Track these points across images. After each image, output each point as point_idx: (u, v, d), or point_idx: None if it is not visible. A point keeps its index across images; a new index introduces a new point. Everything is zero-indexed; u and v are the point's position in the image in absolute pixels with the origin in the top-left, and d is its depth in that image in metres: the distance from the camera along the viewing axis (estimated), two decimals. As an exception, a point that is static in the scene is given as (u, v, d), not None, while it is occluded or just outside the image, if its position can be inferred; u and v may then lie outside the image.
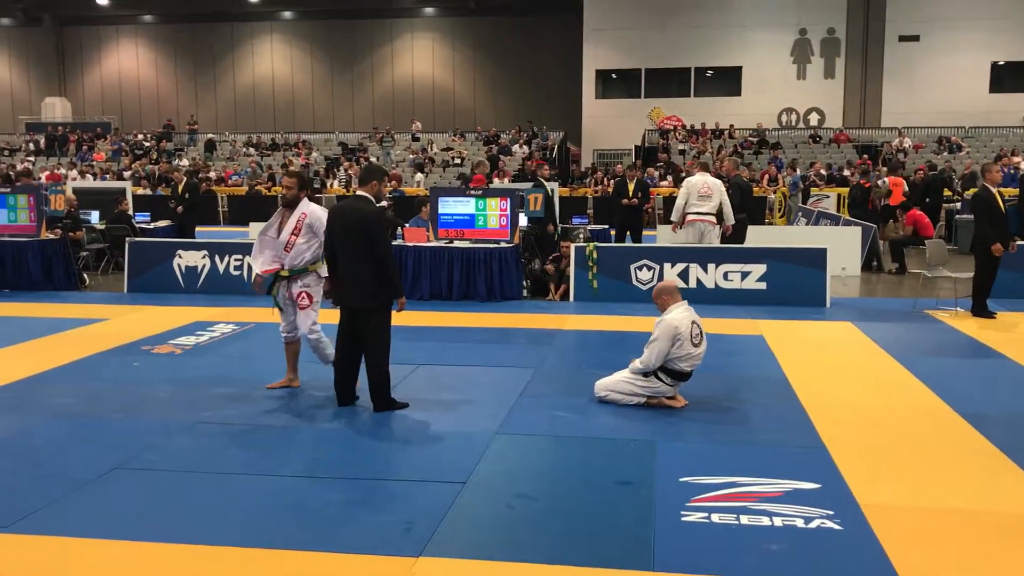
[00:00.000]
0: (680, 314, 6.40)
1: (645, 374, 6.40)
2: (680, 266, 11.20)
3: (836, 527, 4.26)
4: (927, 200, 18.81)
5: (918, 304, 10.84)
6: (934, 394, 6.74)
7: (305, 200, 6.75)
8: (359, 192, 6.30)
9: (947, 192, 21.27)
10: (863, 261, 14.34)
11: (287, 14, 39.22)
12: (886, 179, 20.02)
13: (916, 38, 31.70)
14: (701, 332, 6.44)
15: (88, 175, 29.07)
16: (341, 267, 6.22)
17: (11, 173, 21.04)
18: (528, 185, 14.30)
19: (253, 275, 6.98)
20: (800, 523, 4.30)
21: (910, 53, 31.80)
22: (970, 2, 31.07)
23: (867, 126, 31.84)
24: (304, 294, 6.73)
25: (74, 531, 4.26)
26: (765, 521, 4.33)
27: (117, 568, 3.93)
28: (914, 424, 6.00)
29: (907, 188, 18.93)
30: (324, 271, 6.60)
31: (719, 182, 12.04)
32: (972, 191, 15.68)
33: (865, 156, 27.28)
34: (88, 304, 11.45)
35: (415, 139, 33.30)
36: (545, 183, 13.45)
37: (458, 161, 30.14)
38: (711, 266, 11.15)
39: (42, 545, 4.14)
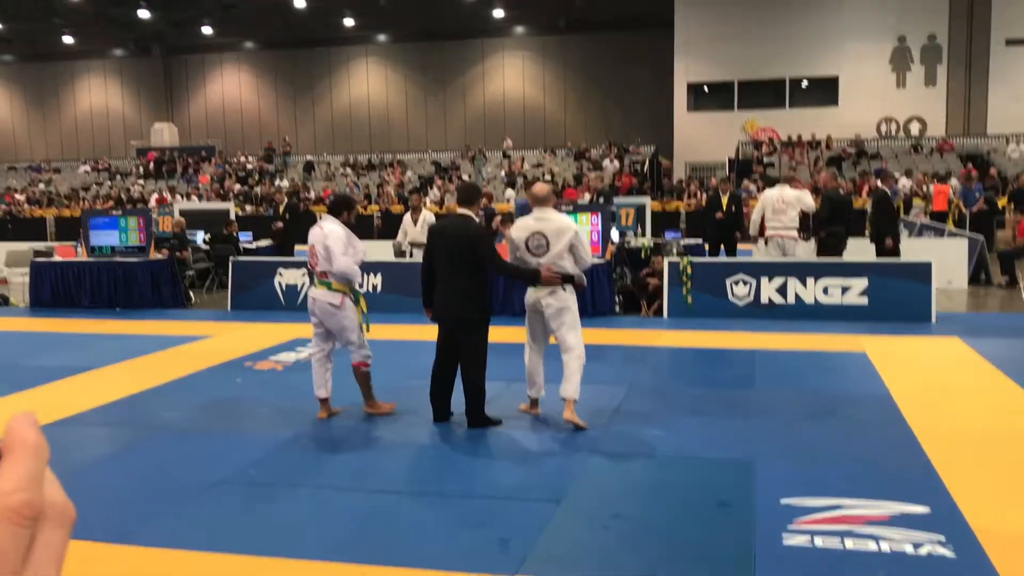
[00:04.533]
0: (523, 221, 6.41)
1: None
2: (778, 280, 10.95)
3: (948, 554, 4.07)
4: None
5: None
6: (1052, 414, 6.41)
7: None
8: (461, 211, 6.37)
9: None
10: (970, 274, 13.79)
11: (381, 38, 40.04)
12: (904, 184, 19.25)
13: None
14: (546, 243, 6.28)
15: (194, 196, 30.17)
16: (442, 284, 6.28)
17: (122, 196, 22.04)
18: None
19: None
20: (909, 549, 4.13)
21: (1018, 57, 30.52)
22: (1082, 2, 29.70)
23: (972, 134, 30.66)
24: None
25: (179, 543, 4.39)
26: (871, 546, 4.16)
27: (222, 580, 4.03)
28: (1030, 445, 5.72)
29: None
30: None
31: (798, 193, 11.72)
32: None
33: (970, 164, 26.26)
34: (193, 321, 11.85)
35: (506, 156, 33.53)
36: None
37: (548, 177, 30.20)
38: (810, 280, 10.87)
39: (148, 557, 4.27)
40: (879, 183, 13.58)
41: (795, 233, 11.53)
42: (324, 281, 6.62)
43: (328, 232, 6.58)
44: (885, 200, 12.71)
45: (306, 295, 12.29)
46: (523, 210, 12.53)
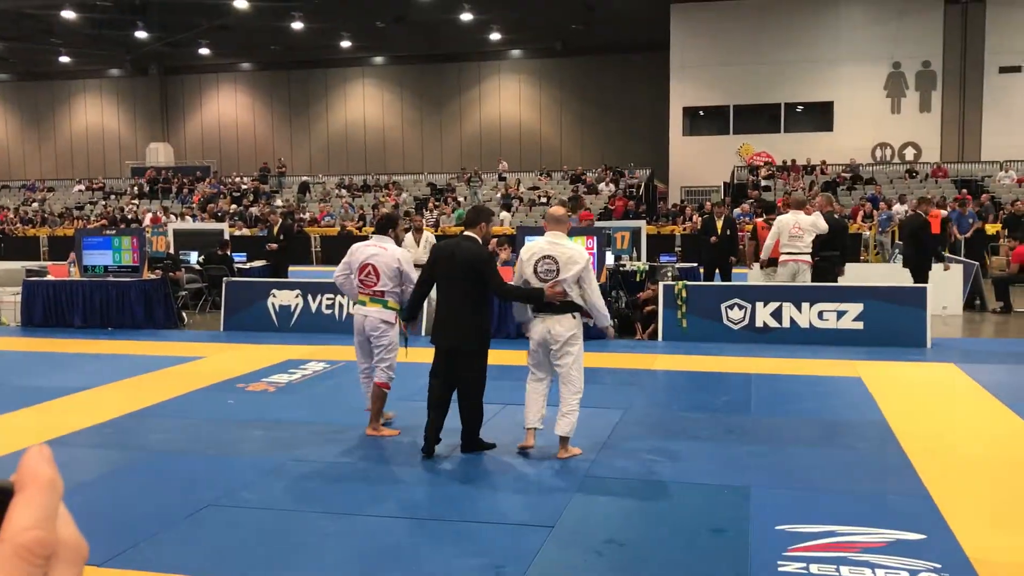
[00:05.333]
0: (535, 244, 6.20)
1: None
2: (773, 305, 10.94)
3: (945, 582, 4.04)
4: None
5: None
6: (1048, 441, 6.38)
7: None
8: (467, 233, 6.25)
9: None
10: (965, 300, 13.80)
11: (378, 59, 40.23)
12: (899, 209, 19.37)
13: (1018, 69, 30.65)
14: (556, 270, 6.01)
15: (188, 217, 30.16)
16: (443, 308, 6.19)
17: (116, 215, 22.02)
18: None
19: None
20: (905, 576, 4.10)
21: (1011, 84, 30.76)
22: (1075, 31, 29.97)
23: (966, 160, 30.83)
24: None
25: (168, 567, 4.33)
26: (867, 573, 4.13)
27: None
28: (1027, 473, 5.69)
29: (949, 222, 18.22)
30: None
31: (811, 219, 11.74)
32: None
33: (964, 191, 26.40)
34: (186, 342, 11.80)
35: (501, 179, 33.61)
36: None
37: (544, 200, 30.27)
38: (805, 305, 10.86)
39: (139, 581, 4.21)
40: (915, 208, 13.68)
41: (809, 259, 11.50)
42: (379, 299, 6.71)
43: (399, 255, 6.75)
44: (923, 225, 12.79)
45: (301, 316, 12.34)
46: (522, 234, 12.54)
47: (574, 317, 6.11)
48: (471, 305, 6.09)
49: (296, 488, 5.59)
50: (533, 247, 6.19)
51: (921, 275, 12.35)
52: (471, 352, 6.14)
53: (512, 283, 6.29)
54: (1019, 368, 9.33)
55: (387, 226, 6.97)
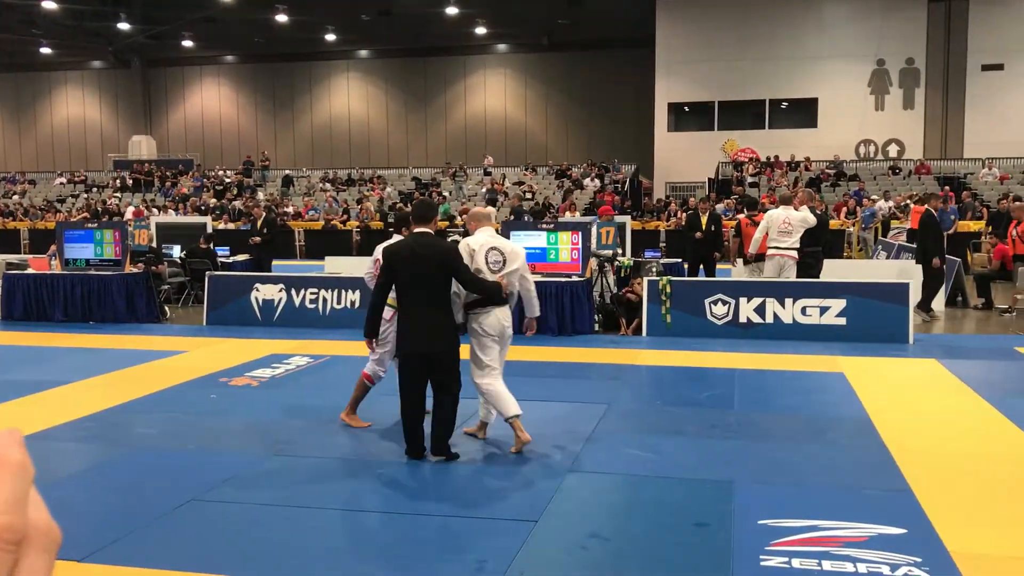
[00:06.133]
0: (479, 237, 6.27)
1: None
2: (756, 300, 10.98)
3: (924, 575, 4.07)
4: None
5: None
6: (1027, 436, 6.43)
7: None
8: (422, 229, 6.01)
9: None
10: (947, 296, 13.89)
11: (363, 53, 40.07)
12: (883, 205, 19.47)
13: (1000, 67, 30.86)
14: (503, 261, 6.18)
15: (171, 210, 29.98)
16: (413, 311, 5.88)
17: (98, 208, 21.89)
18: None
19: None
20: (886, 570, 4.11)
21: (993, 82, 30.97)
22: (1056, 30, 30.20)
23: (949, 157, 31.04)
24: None
25: (150, 563, 4.31)
26: (848, 567, 4.15)
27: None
28: (1006, 468, 5.73)
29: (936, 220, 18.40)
30: None
31: (800, 215, 11.80)
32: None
33: (947, 188, 26.57)
34: (168, 336, 11.73)
35: (487, 173, 33.58)
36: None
37: (529, 196, 30.26)
38: (788, 301, 10.90)
39: (120, 576, 4.19)
40: (926, 203, 13.77)
41: (796, 254, 11.60)
42: None
43: None
44: (932, 221, 12.87)
45: (284, 311, 12.29)
46: (507, 229, 12.53)
47: (509, 308, 6.30)
48: (441, 304, 5.90)
49: (279, 483, 5.57)
50: (479, 239, 6.26)
51: (927, 269, 12.52)
52: (448, 360, 5.93)
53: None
54: (1000, 364, 9.40)
55: (401, 225, 7.01)
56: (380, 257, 6.23)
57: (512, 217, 13.70)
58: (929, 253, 12.53)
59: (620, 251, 13.67)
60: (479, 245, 6.20)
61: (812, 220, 11.75)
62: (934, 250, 12.57)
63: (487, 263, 6.14)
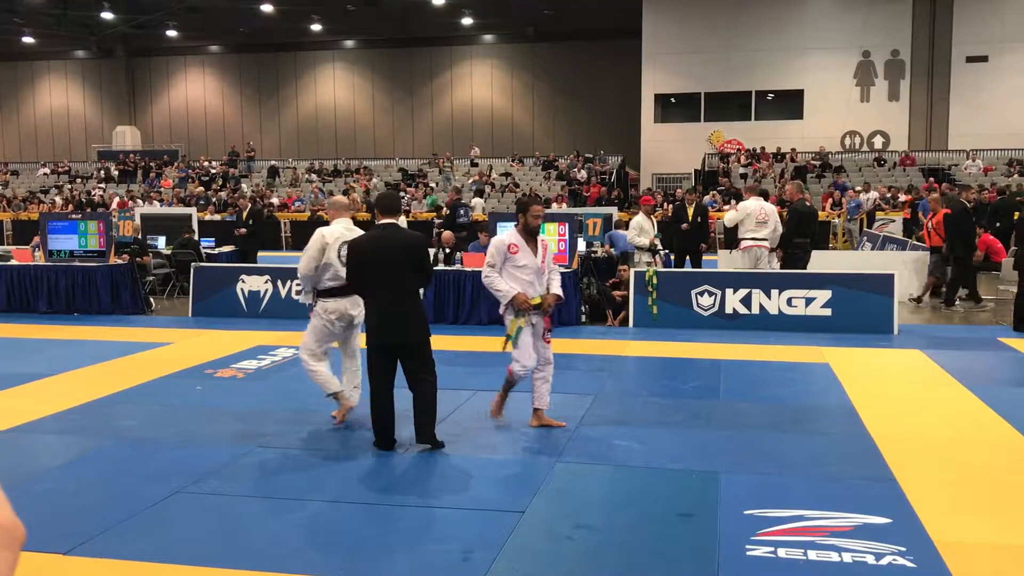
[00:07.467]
0: (335, 228, 6.41)
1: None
2: (743, 291, 11.01)
3: (909, 564, 4.09)
4: (998, 224, 18.29)
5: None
6: (1011, 426, 6.47)
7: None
8: (389, 220, 5.98)
9: (1016, 215, 20.69)
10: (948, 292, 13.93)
11: (349, 43, 39.89)
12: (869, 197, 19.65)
13: (984, 59, 31.00)
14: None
15: (156, 201, 29.79)
16: (381, 302, 5.85)
17: (82, 199, 21.73)
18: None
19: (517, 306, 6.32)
20: (871, 560, 4.14)
21: (978, 74, 31.10)
22: (1040, 22, 30.34)
23: (933, 148, 31.18)
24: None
25: (134, 555, 4.29)
26: (834, 557, 4.17)
27: (177, 593, 3.94)
28: (990, 457, 5.77)
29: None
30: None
31: (775, 208, 11.95)
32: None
33: (932, 179, 26.70)
34: (154, 328, 11.67)
35: (473, 164, 33.52)
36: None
37: (516, 187, 30.23)
38: (774, 292, 10.95)
39: (103, 569, 4.17)
40: (957, 194, 13.93)
41: (769, 244, 11.73)
42: None
43: None
44: (964, 212, 12.98)
45: (270, 302, 12.25)
46: (495, 220, 12.51)
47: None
48: (412, 293, 5.92)
49: (265, 475, 5.55)
50: (334, 231, 6.42)
51: (958, 260, 12.76)
52: (420, 343, 5.91)
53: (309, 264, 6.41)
54: (984, 354, 9.46)
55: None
56: (326, 241, 6.35)
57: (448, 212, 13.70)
58: (970, 247, 12.82)
59: (658, 242, 13.51)
60: (334, 239, 6.38)
61: (777, 217, 11.97)
62: (973, 243, 12.84)
63: (339, 257, 6.31)
